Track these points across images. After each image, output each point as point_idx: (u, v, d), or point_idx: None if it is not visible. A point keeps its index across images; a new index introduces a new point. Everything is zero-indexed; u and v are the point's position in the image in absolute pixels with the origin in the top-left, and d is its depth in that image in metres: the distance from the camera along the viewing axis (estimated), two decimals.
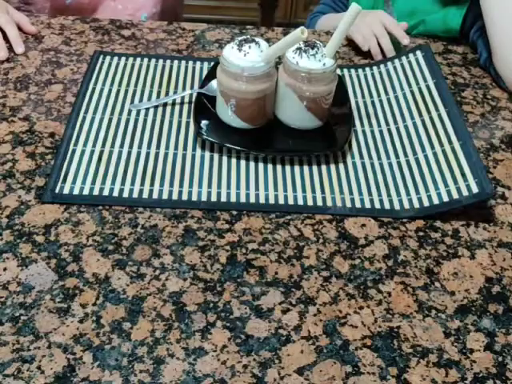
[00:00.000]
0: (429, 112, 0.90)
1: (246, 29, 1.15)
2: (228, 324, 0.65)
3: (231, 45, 0.83)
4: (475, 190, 0.77)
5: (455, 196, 0.78)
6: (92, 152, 0.85)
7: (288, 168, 0.84)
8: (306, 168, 0.84)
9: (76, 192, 0.79)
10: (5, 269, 0.69)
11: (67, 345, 0.62)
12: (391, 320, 0.67)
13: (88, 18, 1.13)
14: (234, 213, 0.78)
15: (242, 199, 0.79)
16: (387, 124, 0.92)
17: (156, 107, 0.93)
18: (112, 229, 0.75)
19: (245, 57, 0.81)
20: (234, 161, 0.85)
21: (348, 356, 0.63)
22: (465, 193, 0.78)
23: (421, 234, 0.77)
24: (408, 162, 0.85)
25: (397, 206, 0.79)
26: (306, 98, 0.85)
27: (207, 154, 0.85)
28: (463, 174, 0.80)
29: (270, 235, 0.75)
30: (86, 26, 1.11)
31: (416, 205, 0.79)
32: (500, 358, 0.64)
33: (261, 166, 0.84)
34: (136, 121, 0.91)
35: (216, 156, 0.85)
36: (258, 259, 0.72)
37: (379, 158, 0.87)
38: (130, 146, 0.86)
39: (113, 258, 0.71)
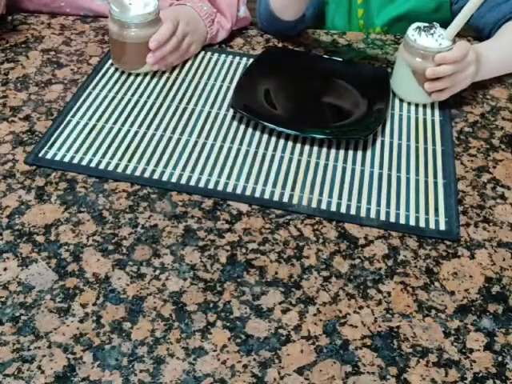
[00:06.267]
0: (426, 143, 0.91)
1: (245, 29, 1.15)
2: (228, 324, 0.65)
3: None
4: (442, 227, 0.77)
5: (421, 225, 0.78)
6: (86, 125, 0.89)
7: (267, 162, 0.84)
8: (284, 164, 0.85)
9: (57, 159, 0.83)
10: (5, 269, 0.69)
11: (67, 345, 0.62)
12: (391, 320, 0.67)
13: (88, 19, 1.13)
14: (234, 213, 0.78)
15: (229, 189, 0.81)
16: (382, 135, 0.91)
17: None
18: (112, 229, 0.75)
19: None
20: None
21: (348, 356, 0.63)
22: (431, 226, 0.77)
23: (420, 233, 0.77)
24: (389, 176, 0.84)
25: (362, 213, 0.78)
26: (418, 74, 0.93)
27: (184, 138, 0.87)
28: (436, 209, 0.80)
29: (270, 235, 0.75)
30: (87, 26, 1.12)
31: (382, 217, 0.78)
32: (500, 358, 0.64)
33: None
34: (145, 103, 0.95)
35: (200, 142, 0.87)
36: (257, 259, 0.72)
37: (362, 165, 0.86)
38: (122, 124, 0.90)
39: (113, 257, 0.71)
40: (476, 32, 1.12)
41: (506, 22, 1.03)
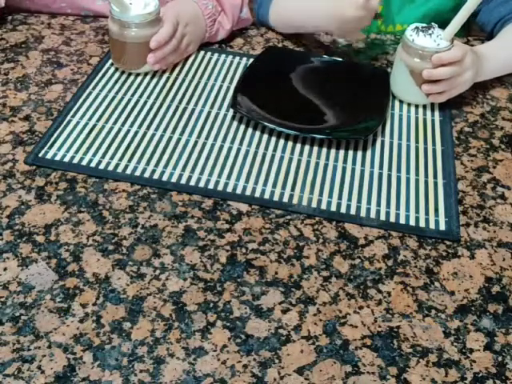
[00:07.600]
0: (425, 143, 0.90)
1: (245, 29, 1.15)
2: (228, 324, 0.65)
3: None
4: (442, 227, 0.77)
5: (421, 225, 0.78)
6: (86, 125, 0.89)
7: (267, 162, 0.84)
8: (284, 164, 0.85)
9: (57, 159, 0.83)
10: (5, 269, 0.69)
11: (67, 345, 0.62)
12: (391, 320, 0.67)
13: (88, 19, 1.13)
14: (234, 213, 0.78)
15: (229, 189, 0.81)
16: (382, 135, 0.91)
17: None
18: (112, 229, 0.75)
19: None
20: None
21: (348, 356, 0.63)
22: (431, 226, 0.77)
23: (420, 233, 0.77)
24: (389, 176, 0.84)
25: (362, 213, 0.78)
26: (415, 74, 0.93)
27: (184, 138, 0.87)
28: (436, 209, 0.80)
29: (270, 235, 0.75)
30: (87, 26, 1.12)
31: (382, 217, 0.78)
32: (500, 358, 0.64)
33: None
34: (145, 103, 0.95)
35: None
36: (257, 259, 0.72)
37: (362, 165, 0.86)
38: (122, 124, 0.90)
39: (113, 257, 0.71)
40: (481, 28, 1.12)
41: (509, 21, 1.03)
